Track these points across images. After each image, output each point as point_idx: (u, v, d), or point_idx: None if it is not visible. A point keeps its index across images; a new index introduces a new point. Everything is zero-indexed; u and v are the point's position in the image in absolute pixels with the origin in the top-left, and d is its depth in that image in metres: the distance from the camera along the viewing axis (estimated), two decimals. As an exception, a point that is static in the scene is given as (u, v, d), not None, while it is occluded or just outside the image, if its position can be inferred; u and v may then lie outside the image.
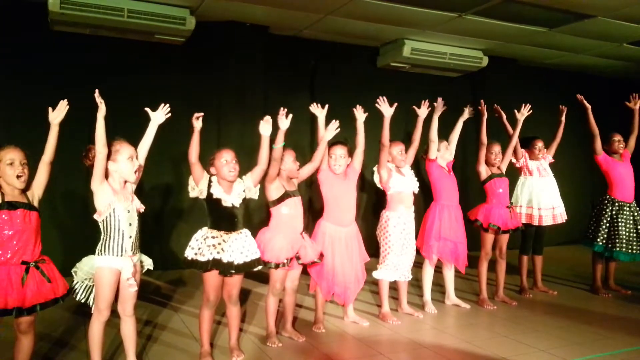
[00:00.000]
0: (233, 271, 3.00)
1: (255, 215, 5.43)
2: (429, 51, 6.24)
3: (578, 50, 6.74)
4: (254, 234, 3.29)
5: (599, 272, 4.96)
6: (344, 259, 3.68)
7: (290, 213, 3.39)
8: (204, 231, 3.07)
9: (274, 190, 3.36)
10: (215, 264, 2.97)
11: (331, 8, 5.19)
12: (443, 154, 4.32)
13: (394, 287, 4.25)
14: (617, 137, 4.90)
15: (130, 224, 2.74)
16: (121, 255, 2.70)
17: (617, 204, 4.82)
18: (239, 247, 3.04)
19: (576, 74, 7.96)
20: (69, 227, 5.18)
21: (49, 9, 4.61)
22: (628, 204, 4.84)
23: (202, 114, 3.11)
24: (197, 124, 3.12)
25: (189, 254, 3.02)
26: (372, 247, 4.18)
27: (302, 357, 3.26)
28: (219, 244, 3.00)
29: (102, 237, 2.72)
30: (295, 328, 3.64)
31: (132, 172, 2.76)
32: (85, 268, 2.73)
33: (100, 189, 2.69)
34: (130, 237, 2.73)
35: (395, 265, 4.01)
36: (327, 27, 5.80)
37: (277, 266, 3.29)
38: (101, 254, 2.69)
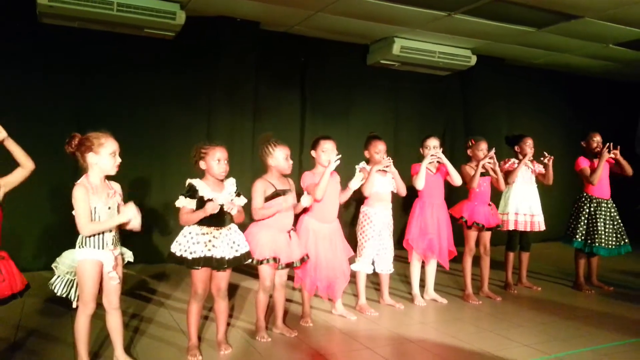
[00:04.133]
0: (226, 266, 3.02)
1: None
2: (419, 49, 6.28)
3: (565, 50, 6.82)
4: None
5: (582, 268, 5.04)
6: (329, 255, 3.71)
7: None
8: (193, 227, 3.04)
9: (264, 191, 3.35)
10: (207, 262, 2.98)
11: (322, 5, 5.20)
12: (425, 152, 4.34)
13: (377, 281, 4.33)
14: (597, 138, 4.96)
15: None
16: (102, 249, 2.70)
17: (594, 200, 4.91)
18: (229, 242, 3.06)
19: (563, 73, 8.06)
20: (54, 221, 5.13)
21: (37, 1, 4.57)
22: (605, 201, 4.93)
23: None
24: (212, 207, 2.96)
25: (177, 249, 3.01)
26: (353, 242, 4.23)
27: (291, 351, 3.29)
28: (210, 240, 3.01)
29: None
30: (286, 323, 3.65)
31: (113, 167, 2.73)
32: (67, 262, 2.72)
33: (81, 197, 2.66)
34: (111, 231, 2.73)
35: (372, 257, 4.10)
36: (318, 24, 5.82)
37: (259, 262, 3.28)
38: (82, 247, 2.68)
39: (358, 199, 4.20)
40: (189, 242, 3.00)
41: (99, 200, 2.68)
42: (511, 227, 4.84)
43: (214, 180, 3.09)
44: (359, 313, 4.07)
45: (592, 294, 4.91)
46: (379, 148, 4.05)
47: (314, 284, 3.73)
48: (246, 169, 5.54)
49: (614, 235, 4.88)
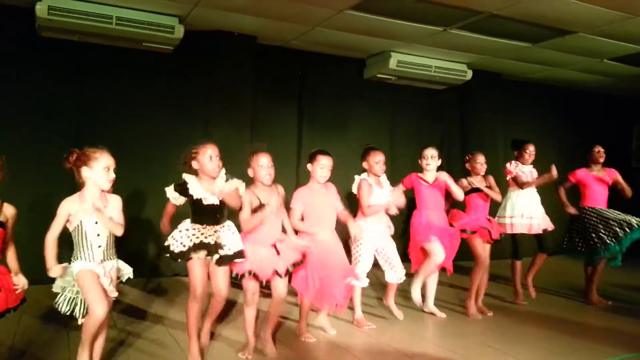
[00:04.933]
0: (220, 254, 3.01)
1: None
2: (415, 64, 6.33)
3: (560, 65, 6.88)
4: None
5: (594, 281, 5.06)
6: (329, 258, 3.65)
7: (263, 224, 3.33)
8: (187, 224, 3.07)
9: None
10: (204, 246, 2.98)
11: (319, 20, 5.25)
12: (429, 163, 4.34)
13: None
14: (597, 148, 5.02)
15: (98, 235, 2.73)
16: (93, 262, 2.72)
17: (589, 210, 4.94)
18: (224, 239, 3.06)
19: (559, 88, 8.13)
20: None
21: (37, 15, 4.60)
22: (593, 208, 4.95)
23: None
24: None
25: (174, 246, 3.01)
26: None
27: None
28: (202, 234, 3.02)
29: (74, 245, 2.75)
30: (280, 338, 3.60)
31: (105, 181, 2.75)
32: (62, 278, 2.73)
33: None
34: (100, 246, 2.74)
35: (367, 271, 4.08)
36: (315, 38, 5.86)
37: (239, 276, 3.22)
38: (75, 260, 2.73)
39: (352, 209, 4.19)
40: (183, 237, 3.00)
41: (85, 214, 2.70)
42: (517, 231, 4.80)
43: (207, 179, 3.09)
44: (356, 327, 4.05)
45: (610, 305, 4.93)
46: (377, 158, 4.08)
47: (315, 289, 3.61)
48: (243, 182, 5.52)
49: (616, 227, 4.80)
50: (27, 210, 4.91)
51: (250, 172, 3.36)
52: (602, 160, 5.01)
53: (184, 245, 2.99)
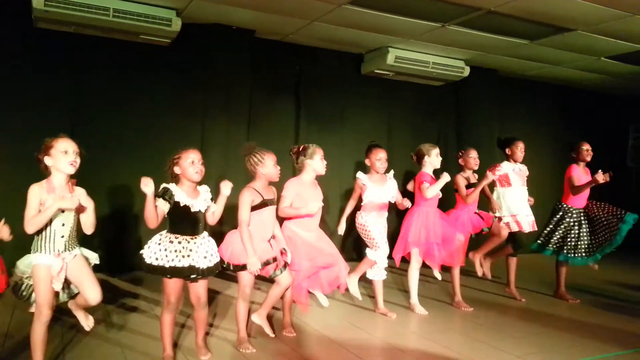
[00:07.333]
0: (195, 275, 2.97)
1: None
2: (413, 60, 6.32)
3: (558, 62, 6.89)
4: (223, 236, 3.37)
5: (563, 277, 5.05)
6: (317, 244, 3.66)
7: (262, 220, 3.36)
8: (165, 235, 3.01)
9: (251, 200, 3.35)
10: (177, 272, 2.93)
11: (317, 14, 5.23)
12: (432, 160, 4.37)
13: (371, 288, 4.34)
14: (586, 147, 4.95)
15: (63, 224, 2.71)
16: (52, 253, 2.70)
17: (575, 211, 4.90)
18: (202, 252, 3.01)
19: (556, 85, 8.14)
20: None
21: (33, 6, 4.56)
22: (581, 210, 4.93)
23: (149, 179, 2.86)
24: (147, 189, 2.85)
25: (149, 257, 2.94)
26: (349, 251, 4.24)
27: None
28: (184, 248, 2.96)
29: (36, 234, 2.70)
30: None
31: (66, 164, 2.70)
32: (21, 267, 2.73)
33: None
34: (63, 236, 2.71)
35: (386, 259, 4.15)
36: (313, 33, 5.85)
37: (238, 268, 3.24)
38: (36, 252, 2.69)
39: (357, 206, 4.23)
40: (161, 250, 2.94)
41: (52, 200, 2.66)
42: (525, 229, 4.78)
43: (190, 185, 3.06)
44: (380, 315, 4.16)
45: (577, 303, 4.93)
46: (379, 155, 4.11)
47: (302, 287, 3.65)
48: (240, 176, 5.49)
49: (586, 244, 4.84)
50: (18, 204, 4.91)
51: (263, 170, 3.37)
52: (589, 158, 4.95)
53: (160, 259, 2.92)
